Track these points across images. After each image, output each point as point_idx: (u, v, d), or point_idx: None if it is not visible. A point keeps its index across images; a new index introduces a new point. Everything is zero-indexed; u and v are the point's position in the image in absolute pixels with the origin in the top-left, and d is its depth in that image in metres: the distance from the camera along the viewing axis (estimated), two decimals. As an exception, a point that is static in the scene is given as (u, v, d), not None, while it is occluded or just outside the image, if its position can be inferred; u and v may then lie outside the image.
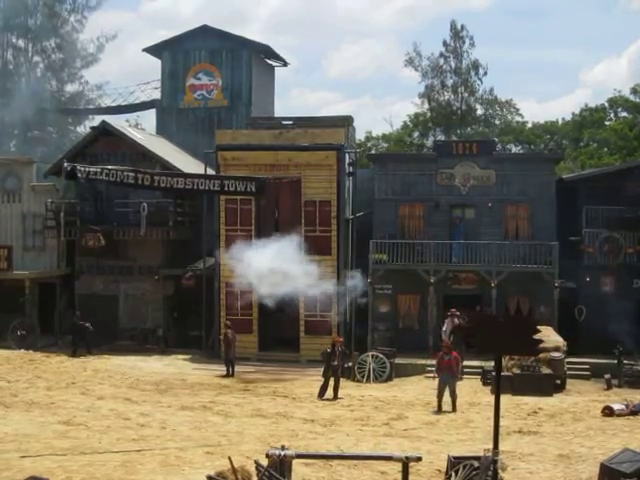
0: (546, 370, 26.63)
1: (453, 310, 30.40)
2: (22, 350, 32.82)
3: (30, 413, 21.78)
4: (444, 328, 30.29)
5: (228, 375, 29.52)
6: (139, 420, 21.20)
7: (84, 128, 57.51)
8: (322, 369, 26.13)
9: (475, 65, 55.63)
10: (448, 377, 23.79)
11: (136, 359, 32.08)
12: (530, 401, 24.38)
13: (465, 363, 27.82)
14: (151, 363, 31.67)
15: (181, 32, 42.48)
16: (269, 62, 44.74)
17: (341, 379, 26.28)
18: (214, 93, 41.70)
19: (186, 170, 32.18)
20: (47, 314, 35.28)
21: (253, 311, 32.90)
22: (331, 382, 25.61)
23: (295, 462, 12.95)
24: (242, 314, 33.03)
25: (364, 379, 28.95)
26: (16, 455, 16.83)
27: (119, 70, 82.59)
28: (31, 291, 35.25)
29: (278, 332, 34.19)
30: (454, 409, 23.40)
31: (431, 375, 25.98)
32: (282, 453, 12.39)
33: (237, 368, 30.15)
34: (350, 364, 28.96)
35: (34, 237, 36.80)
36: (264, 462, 12.57)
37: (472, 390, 26.56)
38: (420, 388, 27.30)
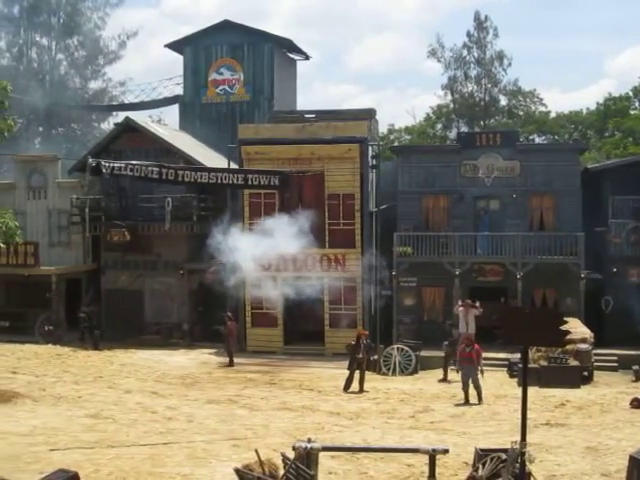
0: (573, 362, 26.46)
1: (468, 301, 30.02)
2: (49, 345, 33.13)
3: (58, 407, 21.95)
4: (460, 318, 30.09)
5: (231, 364, 30.20)
6: (166, 413, 21.30)
7: (108, 124, 57.87)
8: (347, 362, 26.09)
9: (499, 56, 55.31)
10: (469, 369, 23.71)
11: (162, 353, 32.27)
12: (557, 393, 24.25)
13: (491, 355, 27.69)
14: (177, 357, 31.83)
15: (202, 27, 42.58)
16: (291, 56, 44.72)
17: (367, 372, 26.25)
18: (236, 88, 41.75)
19: (209, 165, 32.22)
20: (73, 309, 35.48)
21: (278, 304, 32.90)
22: (356, 375, 25.57)
23: (321, 455, 12.93)
24: (267, 308, 33.06)
25: (390, 372, 28.92)
26: (45, 448, 16.98)
27: (142, 67, 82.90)
28: (57, 286, 35.49)
29: (303, 326, 34.26)
30: (480, 401, 23.32)
31: (454, 368, 25.89)
32: (308, 446, 12.39)
33: (263, 361, 30.64)
34: (376, 357, 28.92)
35: (60, 233, 37.11)
36: (291, 455, 12.57)
37: (498, 382, 26.45)
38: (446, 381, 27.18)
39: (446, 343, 28.18)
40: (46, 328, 34.39)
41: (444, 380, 27.12)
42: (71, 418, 20.42)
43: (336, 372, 27.90)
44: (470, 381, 23.54)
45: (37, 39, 59.27)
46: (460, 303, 30.20)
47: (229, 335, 30.91)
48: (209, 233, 29.86)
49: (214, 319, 33.43)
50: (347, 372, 25.77)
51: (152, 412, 21.49)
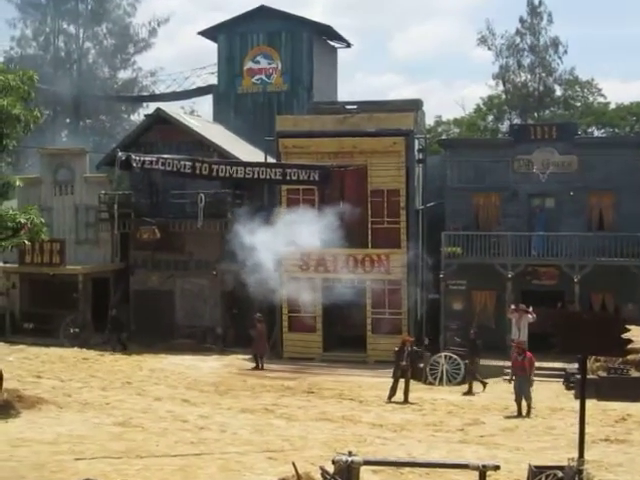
0: (635, 373, 26.09)
1: (522, 305, 29.85)
2: (75, 348, 33.34)
3: (84, 414, 22.12)
4: (512, 324, 29.89)
5: (258, 368, 30.78)
6: (198, 422, 21.37)
7: (138, 116, 58.37)
8: (392, 370, 26.01)
9: (554, 43, 54.89)
10: (522, 379, 23.51)
11: (193, 358, 32.38)
12: (618, 407, 23.92)
13: (546, 365, 27.45)
14: (209, 363, 31.94)
15: (238, 14, 42.72)
16: (331, 44, 44.72)
17: (412, 381, 26.14)
18: (273, 77, 41.84)
19: (245, 159, 32.29)
20: (101, 310, 35.77)
21: (317, 308, 32.96)
22: (401, 384, 25.46)
23: (363, 469, 12.88)
24: (304, 311, 33.13)
25: (436, 381, 28.79)
26: (70, 457, 17.11)
27: (173, 55, 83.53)
28: (84, 286, 35.81)
29: (343, 331, 34.26)
30: (528, 413, 23.15)
31: (507, 378, 25.68)
32: (349, 459, 12.33)
33: (300, 368, 30.76)
34: (421, 365, 28.81)
35: (87, 230, 37.45)
36: (330, 469, 12.52)
37: (554, 394, 26.21)
38: (497, 391, 26.99)
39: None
40: (72, 330, 34.64)
41: (469, 393, 26.88)
42: (98, 426, 20.57)
43: (378, 381, 27.83)
44: (521, 392, 23.35)
45: (64, 27, 60.05)
46: (513, 308, 29.99)
47: (259, 338, 31.23)
48: (244, 231, 29.91)
49: (249, 322, 33.47)
50: (391, 381, 25.68)
51: (183, 421, 21.57)
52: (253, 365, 31.17)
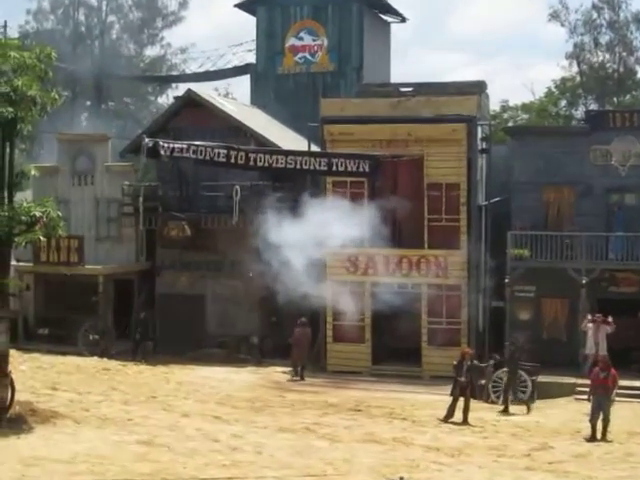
0: None
1: (598, 315, 29.71)
2: (95, 357, 33.58)
3: (104, 430, 22.18)
4: (588, 337, 29.71)
5: (298, 378, 31.44)
6: (230, 442, 21.36)
7: (167, 99, 58.73)
8: (450, 387, 25.89)
9: (636, 18, 54.41)
10: (603, 398, 23.26)
11: (226, 371, 32.50)
12: None
13: (625, 383, 27.13)
14: (244, 376, 32.04)
15: (280, -17, 42.78)
16: (383, 18, 44.69)
17: (472, 400, 26.03)
18: (318, 55, 41.88)
19: (285, 147, 32.33)
20: (123, 316, 36.02)
21: (365, 316, 32.97)
22: (460, 404, 25.36)
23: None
24: (352, 319, 33.07)
25: (500, 400, 28.57)
26: (89, 478, 17.20)
27: (206, 31, 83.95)
28: (105, 289, 36.04)
29: (395, 342, 34.20)
30: (604, 437, 22.96)
31: (584, 397, 25.47)
32: (401, 486, 12.28)
33: (346, 383, 30.84)
34: (483, 382, 28.67)
35: (109, 226, 37.71)
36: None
37: (633, 416, 26.01)
38: (569, 412, 26.87)
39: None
40: (91, 337, 34.91)
41: (505, 411, 26.89)
42: (119, 444, 20.63)
43: (434, 399, 27.76)
44: (601, 413, 23.11)
45: (85, -1, 60.53)
46: (589, 318, 29.77)
47: (295, 344, 31.72)
48: (284, 229, 29.95)
49: (289, 331, 33.53)
50: (449, 399, 25.57)
51: (214, 440, 21.57)
52: (292, 377, 31.49)
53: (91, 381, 29.45)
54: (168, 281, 36.94)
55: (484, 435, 23.74)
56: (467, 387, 25.58)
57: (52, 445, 20.14)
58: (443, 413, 25.43)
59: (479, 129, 33.26)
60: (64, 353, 33.65)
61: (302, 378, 31.55)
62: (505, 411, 27.03)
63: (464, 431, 24.18)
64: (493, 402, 28.61)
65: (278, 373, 32.68)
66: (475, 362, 26.90)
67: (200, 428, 22.98)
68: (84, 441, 20.75)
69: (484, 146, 33.81)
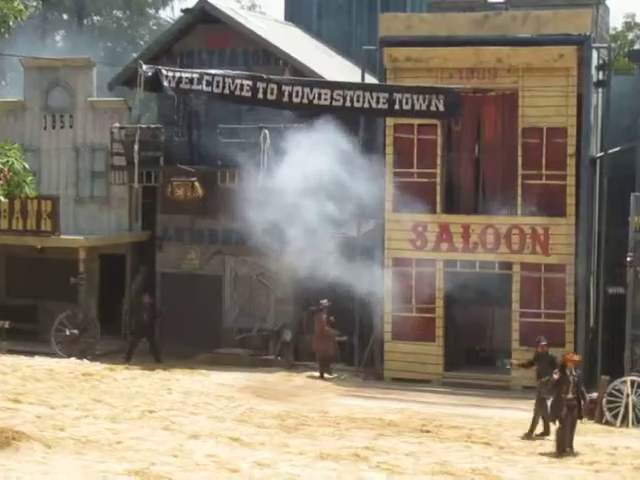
0: None
1: None
2: (72, 358, 33.74)
3: (84, 456, 22.16)
4: None
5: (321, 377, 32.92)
6: (254, 474, 21.32)
7: (171, 12, 58.63)
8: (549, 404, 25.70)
9: None
10: None
11: (249, 377, 32.60)
12: None
13: None
14: (273, 383, 32.13)
15: None
16: None
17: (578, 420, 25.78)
18: (376, -45, 41.53)
19: (331, 77, 32.10)
20: (112, 303, 36.09)
21: (436, 305, 32.92)
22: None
23: None
24: (418, 310, 33.12)
25: (617, 420, 28.43)
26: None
27: None
28: (88, 267, 36.03)
29: (475, 340, 34.33)
30: None
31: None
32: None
33: (409, 395, 30.97)
34: (594, 396, 28.49)
35: (93, 183, 37.80)
36: None
37: None
38: None
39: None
40: (68, 332, 34.94)
41: (543, 434, 26.20)
42: (105, 476, 20.61)
43: (527, 417, 27.47)
44: None
45: None
46: None
47: (320, 334, 33.00)
48: (329, 187, 29.91)
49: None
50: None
51: (232, 470, 21.54)
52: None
53: (67, 391, 29.49)
54: (172, 257, 37.09)
55: (596, 468, 23.41)
56: (575, 407, 25.25)
57: (15, 479, 20.12)
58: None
59: (594, 54, 32.84)
60: (31, 353, 33.95)
61: (321, 376, 32.51)
62: (544, 434, 26.30)
63: (569, 462, 23.87)
64: (608, 423, 28.47)
65: (316, 379, 32.97)
66: (579, 371, 26.34)
67: (213, 454, 22.93)
68: (57, 471, 20.71)
69: (601, 77, 33.49)
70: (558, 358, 25.84)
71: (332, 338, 33.10)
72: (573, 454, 24.49)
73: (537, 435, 25.83)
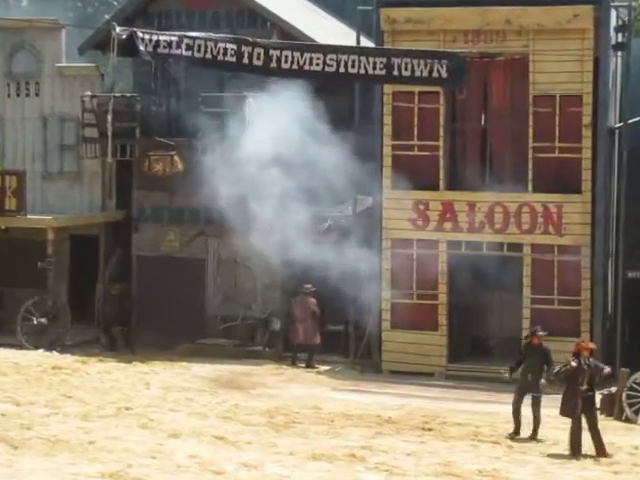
0: None
1: None
2: (40, 350, 33.84)
3: (53, 458, 22.23)
4: None
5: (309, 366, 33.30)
6: (240, 476, 21.46)
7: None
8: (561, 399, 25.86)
9: None
10: None
11: (234, 369, 32.76)
12: None
13: None
14: (260, 376, 32.31)
15: None
16: None
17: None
18: None
19: (324, 41, 32.31)
20: (84, 289, 36.34)
21: (439, 291, 33.04)
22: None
23: None
24: (420, 296, 33.29)
25: (639, 417, 28.62)
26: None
27: None
28: (57, 249, 36.05)
29: (481, 329, 34.39)
30: None
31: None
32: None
33: (410, 389, 31.00)
34: (612, 389, 28.73)
35: (62, 157, 37.76)
36: None
37: None
38: None
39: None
40: (35, 321, 34.96)
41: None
42: (76, 479, 20.85)
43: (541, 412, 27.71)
44: None
45: None
46: None
47: (301, 319, 33.33)
48: (320, 161, 30.04)
49: (326, 315, 33.77)
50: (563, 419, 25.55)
51: (216, 472, 21.56)
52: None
53: (35, 386, 29.49)
54: (150, 239, 37.05)
55: (615, 469, 23.32)
56: (592, 399, 25.39)
57: (-24, 483, 20.38)
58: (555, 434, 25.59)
59: (613, 14, 32.90)
60: (-5, 345, 34.14)
61: (309, 366, 33.03)
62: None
63: (585, 462, 23.78)
64: (628, 419, 28.43)
65: (308, 373, 33.01)
66: (592, 360, 26.28)
67: (195, 454, 22.90)
68: (24, 474, 20.80)
69: (620, 40, 33.45)
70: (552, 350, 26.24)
71: (319, 327, 33.44)
72: (609, 455, 24.18)
73: (510, 434, 25.87)
